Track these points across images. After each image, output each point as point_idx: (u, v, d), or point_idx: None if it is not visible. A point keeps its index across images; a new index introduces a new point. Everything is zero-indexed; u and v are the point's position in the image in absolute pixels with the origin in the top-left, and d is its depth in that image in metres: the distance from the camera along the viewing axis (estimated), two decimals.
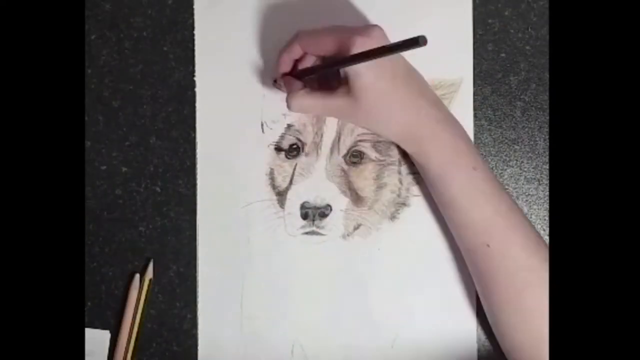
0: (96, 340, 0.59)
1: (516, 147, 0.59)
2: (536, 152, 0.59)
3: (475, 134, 0.59)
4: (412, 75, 0.55)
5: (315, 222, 0.59)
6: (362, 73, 0.51)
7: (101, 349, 0.59)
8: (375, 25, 0.52)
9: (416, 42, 0.43)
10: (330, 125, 0.59)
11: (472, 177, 0.53)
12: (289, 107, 0.55)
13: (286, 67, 0.56)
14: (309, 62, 0.56)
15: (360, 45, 0.50)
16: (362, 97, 0.52)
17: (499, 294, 0.53)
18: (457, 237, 0.55)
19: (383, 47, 0.48)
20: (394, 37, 0.59)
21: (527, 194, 0.59)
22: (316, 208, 0.59)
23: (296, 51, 0.55)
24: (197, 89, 0.60)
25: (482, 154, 0.55)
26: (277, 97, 0.59)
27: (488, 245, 0.52)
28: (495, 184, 0.54)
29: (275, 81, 0.58)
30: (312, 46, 0.54)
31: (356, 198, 0.59)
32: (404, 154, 0.58)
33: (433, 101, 0.55)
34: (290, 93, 0.55)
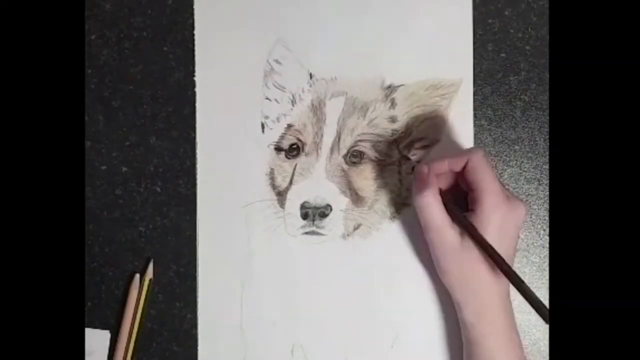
0: (96, 340, 0.59)
1: (516, 147, 0.59)
2: (536, 152, 0.59)
3: (475, 134, 0.59)
4: (517, 239, 0.55)
5: (315, 222, 0.59)
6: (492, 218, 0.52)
7: (101, 349, 0.59)
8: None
9: (545, 316, 0.47)
10: (331, 125, 0.59)
11: None
12: (415, 196, 0.54)
13: (439, 181, 0.55)
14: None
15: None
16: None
17: None
18: None
19: (511, 272, 0.50)
20: (394, 37, 0.59)
21: (527, 194, 0.59)
22: (316, 208, 0.59)
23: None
24: (197, 89, 0.60)
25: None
26: (278, 97, 0.59)
27: None
28: None
29: (413, 168, 0.57)
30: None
31: (356, 198, 0.59)
32: (404, 155, 0.58)
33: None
34: (428, 188, 0.53)
